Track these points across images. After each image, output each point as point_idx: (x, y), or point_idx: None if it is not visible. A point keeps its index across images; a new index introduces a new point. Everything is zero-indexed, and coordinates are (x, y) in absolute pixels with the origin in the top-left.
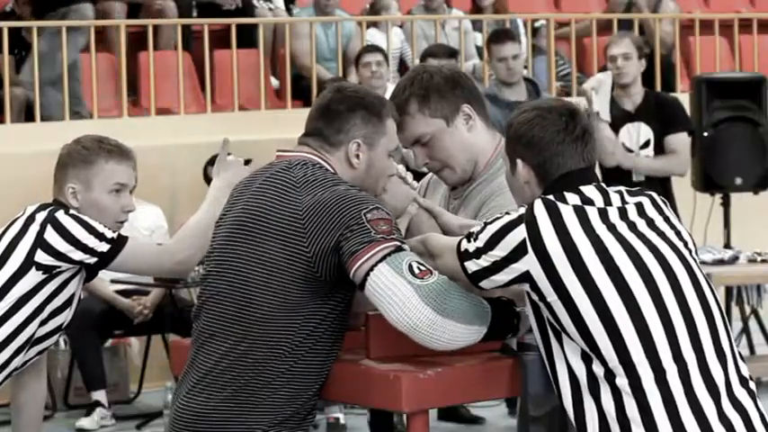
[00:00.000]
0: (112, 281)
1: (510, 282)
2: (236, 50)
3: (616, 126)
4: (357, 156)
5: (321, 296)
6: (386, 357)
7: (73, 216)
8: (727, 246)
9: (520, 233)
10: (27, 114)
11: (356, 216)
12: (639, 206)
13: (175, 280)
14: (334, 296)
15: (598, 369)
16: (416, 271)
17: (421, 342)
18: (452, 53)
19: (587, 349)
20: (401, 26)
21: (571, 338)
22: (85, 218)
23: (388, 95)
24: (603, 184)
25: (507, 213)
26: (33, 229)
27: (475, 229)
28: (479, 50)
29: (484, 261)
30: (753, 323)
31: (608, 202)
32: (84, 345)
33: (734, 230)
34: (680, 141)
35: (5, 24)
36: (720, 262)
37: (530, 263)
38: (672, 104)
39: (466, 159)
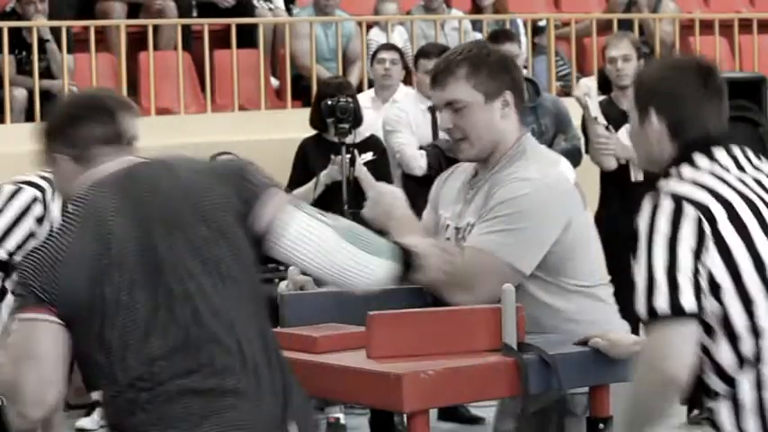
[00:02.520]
0: None
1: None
2: (236, 50)
3: (614, 127)
4: None
5: None
6: (386, 357)
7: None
8: None
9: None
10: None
11: None
12: None
13: None
14: None
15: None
16: None
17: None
18: (444, 51)
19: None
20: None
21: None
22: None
23: (397, 96)
24: (734, 148)
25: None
26: None
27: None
28: None
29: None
30: None
31: (741, 168)
32: None
33: None
34: None
35: (5, 24)
36: None
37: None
38: None
39: (488, 140)
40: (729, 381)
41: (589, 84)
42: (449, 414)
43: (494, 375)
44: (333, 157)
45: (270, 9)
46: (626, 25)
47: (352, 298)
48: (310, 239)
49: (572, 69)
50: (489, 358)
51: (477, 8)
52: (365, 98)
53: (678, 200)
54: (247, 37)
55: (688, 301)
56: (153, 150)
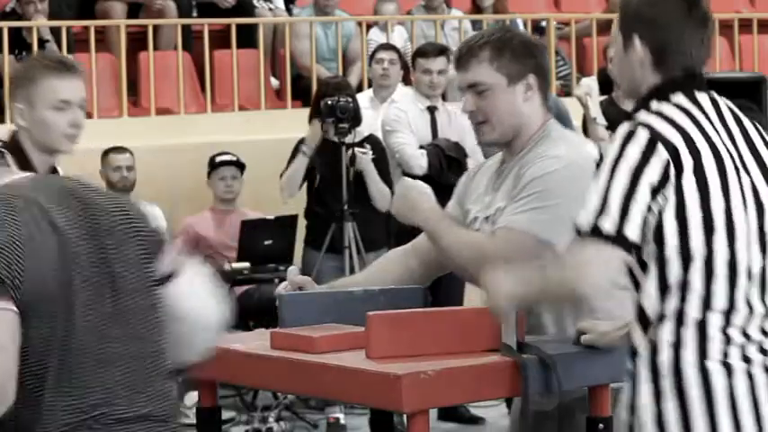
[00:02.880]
0: None
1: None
2: (236, 50)
3: (615, 127)
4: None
5: None
6: (386, 357)
7: None
8: None
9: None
10: None
11: None
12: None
13: None
14: None
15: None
16: None
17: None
18: (442, 51)
19: None
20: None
21: None
22: None
23: (396, 96)
24: (716, 95)
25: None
26: None
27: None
28: None
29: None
30: None
31: (720, 117)
32: None
33: None
34: None
35: (5, 24)
36: None
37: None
38: None
39: (509, 124)
40: (649, 329)
41: (590, 83)
42: (449, 414)
43: (493, 375)
44: (315, 122)
45: (270, 9)
46: None
47: (351, 298)
48: (199, 294)
49: (572, 69)
50: (489, 358)
51: (477, 8)
52: (364, 98)
53: (654, 135)
54: (247, 37)
55: (633, 232)
56: (153, 150)
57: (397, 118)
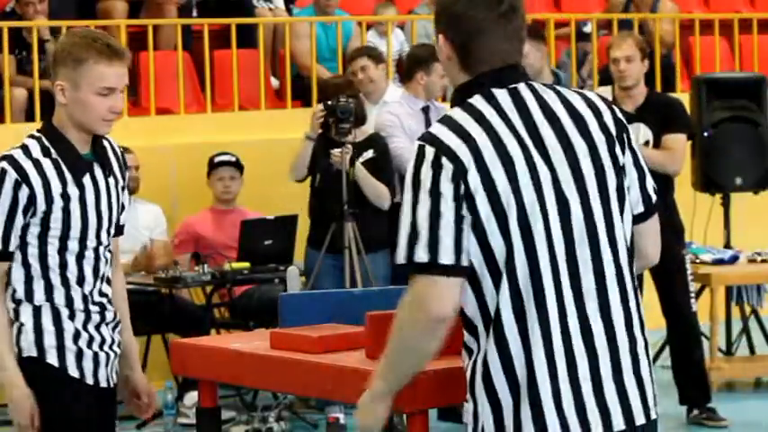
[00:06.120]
0: None
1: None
2: (236, 50)
3: None
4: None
5: None
6: None
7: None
8: (727, 246)
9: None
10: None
11: None
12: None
13: (176, 279)
14: None
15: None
16: None
17: None
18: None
19: None
20: (401, 27)
21: None
22: None
23: (386, 98)
24: (522, 87)
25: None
26: None
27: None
28: None
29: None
30: (753, 323)
31: (521, 110)
32: None
33: (734, 230)
34: (676, 141)
35: (5, 24)
36: (720, 262)
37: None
38: (673, 105)
39: None
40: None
41: (602, 93)
42: (449, 414)
43: None
44: (332, 152)
45: (270, 9)
46: (626, 25)
47: (351, 298)
48: None
49: (572, 69)
50: None
51: None
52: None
53: (438, 150)
54: (247, 37)
55: (446, 255)
56: (153, 150)
57: (391, 123)
